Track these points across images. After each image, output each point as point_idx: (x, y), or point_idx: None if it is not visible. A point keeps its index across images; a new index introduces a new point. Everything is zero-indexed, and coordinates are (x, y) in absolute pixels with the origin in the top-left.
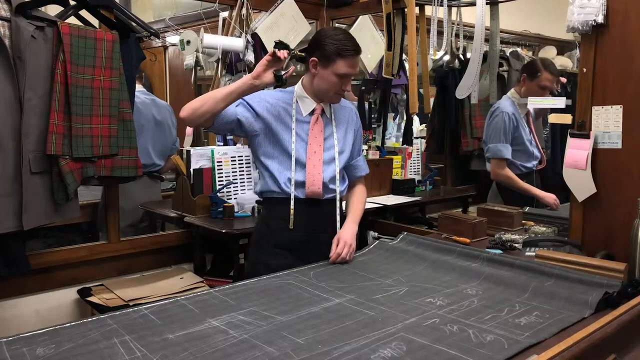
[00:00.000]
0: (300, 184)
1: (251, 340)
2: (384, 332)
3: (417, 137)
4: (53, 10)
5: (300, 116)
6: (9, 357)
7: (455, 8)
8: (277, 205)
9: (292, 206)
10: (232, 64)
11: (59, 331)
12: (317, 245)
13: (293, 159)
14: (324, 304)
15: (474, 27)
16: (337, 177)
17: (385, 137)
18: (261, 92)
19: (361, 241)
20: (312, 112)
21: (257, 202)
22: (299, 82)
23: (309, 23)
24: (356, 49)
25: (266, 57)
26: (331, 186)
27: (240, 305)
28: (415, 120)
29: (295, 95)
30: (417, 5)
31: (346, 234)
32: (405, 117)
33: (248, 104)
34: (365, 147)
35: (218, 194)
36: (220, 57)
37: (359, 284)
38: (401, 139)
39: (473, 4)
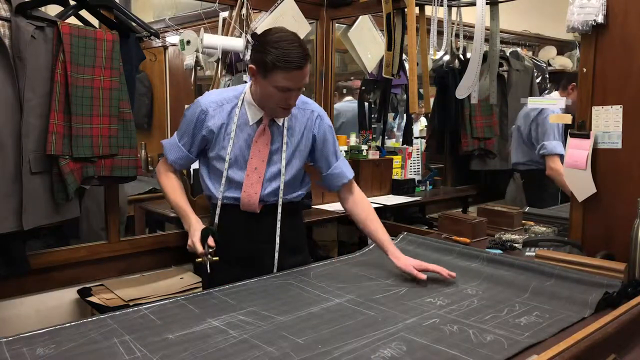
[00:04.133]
0: (235, 199)
1: (251, 340)
2: (384, 332)
3: (417, 137)
4: (53, 10)
5: (246, 123)
6: (9, 357)
7: (455, 8)
8: (222, 214)
9: (217, 212)
10: (232, 64)
11: (59, 331)
12: (260, 258)
13: (224, 177)
14: (324, 304)
15: (474, 27)
16: (281, 191)
17: (385, 137)
18: (210, 96)
19: (361, 241)
20: (259, 121)
21: None
22: (247, 85)
23: (309, 23)
24: (300, 62)
25: (190, 242)
26: (273, 199)
27: (240, 305)
28: (422, 120)
29: (244, 99)
30: (417, 5)
31: (412, 261)
32: (405, 117)
33: (197, 125)
34: (365, 147)
35: None
36: (220, 57)
37: (359, 284)
38: (401, 139)
39: (473, 4)
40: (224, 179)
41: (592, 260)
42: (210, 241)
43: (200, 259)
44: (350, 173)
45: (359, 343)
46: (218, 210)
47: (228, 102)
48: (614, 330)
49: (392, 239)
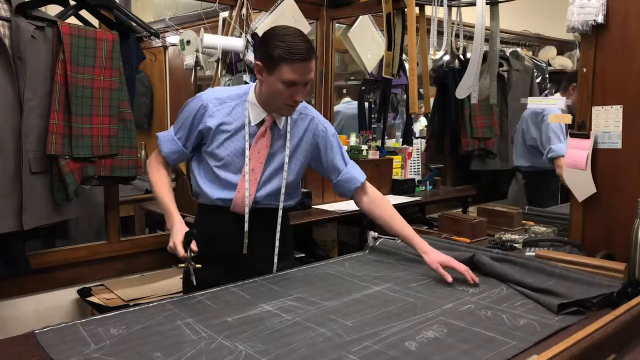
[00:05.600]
0: (225, 200)
1: (304, 322)
2: (424, 317)
3: (417, 137)
4: (53, 10)
5: (247, 124)
6: (87, 336)
7: (455, 8)
8: (207, 212)
9: (204, 211)
10: (232, 64)
11: (124, 314)
12: (249, 261)
13: (216, 176)
14: (364, 291)
15: (474, 27)
16: (282, 195)
17: (386, 137)
18: (213, 92)
19: (361, 241)
20: (261, 123)
21: None
22: (253, 85)
23: (309, 23)
24: (307, 54)
25: (171, 243)
26: (266, 202)
27: (286, 292)
28: (422, 120)
29: (247, 99)
30: (417, 5)
31: (440, 257)
32: (405, 117)
33: (196, 119)
34: (365, 147)
35: None
36: (220, 57)
37: (393, 273)
38: (401, 139)
39: (473, 4)
40: (216, 178)
41: (592, 260)
42: (194, 245)
43: (183, 265)
44: (361, 176)
45: (403, 326)
46: (205, 209)
47: (230, 100)
48: (613, 330)
49: (392, 238)
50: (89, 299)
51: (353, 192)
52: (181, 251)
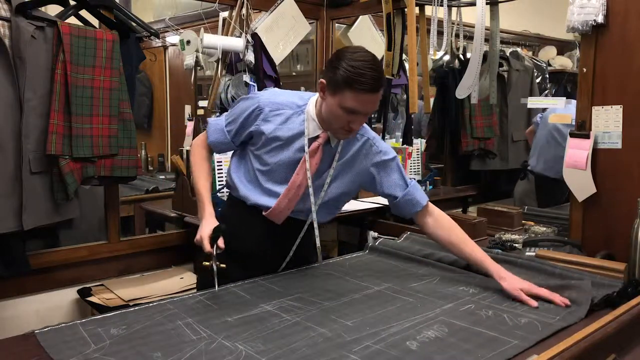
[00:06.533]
0: (263, 206)
1: (304, 322)
2: (424, 316)
3: (417, 137)
4: (53, 10)
5: (301, 135)
6: (87, 336)
7: (455, 8)
8: (236, 206)
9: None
10: (232, 64)
11: (125, 314)
12: (264, 260)
13: (258, 182)
14: (364, 291)
15: (474, 27)
16: (313, 213)
17: (386, 137)
18: (273, 96)
19: (361, 241)
20: (314, 138)
21: None
22: (313, 97)
23: (309, 23)
24: (374, 85)
25: (198, 236)
26: (301, 215)
27: (287, 291)
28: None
29: (307, 111)
30: (417, 5)
31: (520, 283)
32: (405, 117)
33: (249, 117)
34: None
35: (218, 194)
36: (220, 57)
37: (393, 273)
38: (401, 139)
39: (473, 4)
40: (257, 182)
41: (592, 260)
42: (221, 242)
43: (207, 263)
44: (423, 199)
45: (403, 325)
46: (234, 204)
47: (288, 109)
48: (613, 330)
49: (392, 238)
50: (89, 299)
51: (414, 214)
52: (207, 246)
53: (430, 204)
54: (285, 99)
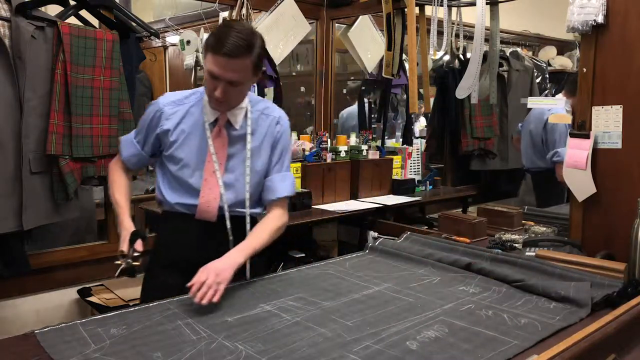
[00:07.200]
0: (190, 207)
1: (304, 322)
2: (424, 317)
3: (417, 137)
4: (53, 10)
5: (202, 123)
6: (88, 336)
7: (455, 8)
8: (170, 218)
9: (167, 219)
10: None
11: (125, 314)
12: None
13: (178, 181)
14: (364, 291)
15: (474, 27)
16: (247, 201)
17: (386, 137)
18: (169, 96)
19: (361, 241)
20: (215, 122)
21: None
22: None
23: (309, 23)
24: (229, 49)
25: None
26: (232, 209)
27: (287, 292)
28: (422, 120)
29: (204, 99)
30: (417, 5)
31: (216, 263)
32: (405, 117)
33: (152, 124)
34: (365, 147)
35: None
36: None
37: (393, 274)
38: (401, 139)
39: (473, 4)
40: (176, 183)
41: (592, 260)
42: (138, 245)
43: (118, 262)
44: (281, 192)
45: (403, 325)
46: (169, 217)
47: (186, 102)
48: (613, 330)
49: (392, 239)
50: (89, 299)
51: (268, 202)
52: (125, 248)
53: (281, 207)
54: (183, 95)
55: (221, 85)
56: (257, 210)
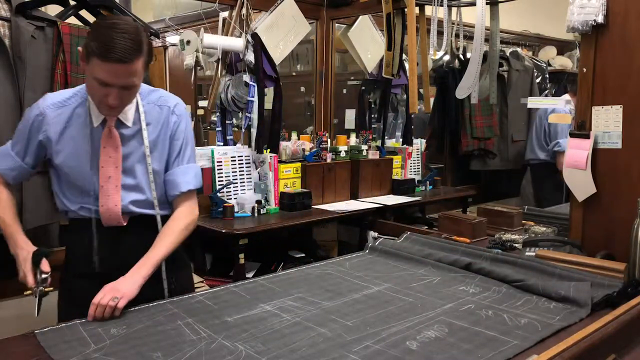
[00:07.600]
0: (94, 212)
1: (304, 322)
2: (424, 316)
3: (417, 137)
4: (53, 10)
5: (90, 125)
6: (88, 336)
7: (455, 8)
8: (78, 228)
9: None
10: (232, 64)
11: (125, 314)
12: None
13: (75, 188)
14: (364, 291)
15: (474, 27)
16: (155, 200)
17: (386, 137)
18: (50, 97)
19: (361, 241)
20: (104, 123)
21: (257, 201)
22: None
23: (309, 23)
24: (121, 56)
25: (21, 274)
26: (138, 210)
27: (287, 292)
28: None
29: (88, 98)
30: (417, 5)
31: (117, 282)
32: (405, 117)
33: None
34: (365, 147)
35: (218, 194)
36: (220, 57)
37: (393, 274)
38: (401, 139)
39: (473, 4)
40: (74, 189)
41: (592, 260)
42: (45, 265)
43: (29, 292)
44: (184, 186)
45: (403, 325)
46: (74, 225)
47: (70, 103)
48: (613, 330)
49: (392, 239)
50: None
51: (173, 198)
52: (31, 281)
53: (189, 200)
54: (65, 95)
55: (114, 92)
56: (167, 211)
